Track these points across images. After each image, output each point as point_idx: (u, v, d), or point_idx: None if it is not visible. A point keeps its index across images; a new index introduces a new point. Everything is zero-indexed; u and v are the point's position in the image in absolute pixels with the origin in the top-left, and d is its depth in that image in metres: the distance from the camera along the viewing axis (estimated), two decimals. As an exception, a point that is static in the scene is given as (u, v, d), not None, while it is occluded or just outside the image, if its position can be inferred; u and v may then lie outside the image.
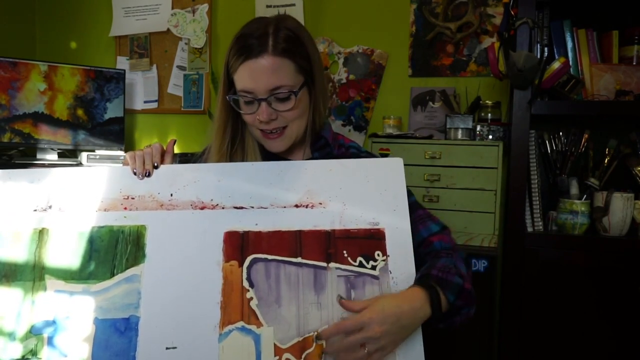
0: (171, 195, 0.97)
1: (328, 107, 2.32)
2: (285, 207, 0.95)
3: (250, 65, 0.94)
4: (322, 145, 1.08)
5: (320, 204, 0.95)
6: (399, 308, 0.83)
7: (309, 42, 1.00)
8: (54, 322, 0.89)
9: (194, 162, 1.12)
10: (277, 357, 0.85)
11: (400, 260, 0.91)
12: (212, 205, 0.96)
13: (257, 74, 0.94)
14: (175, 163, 1.03)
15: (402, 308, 0.83)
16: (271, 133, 1.00)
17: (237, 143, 1.06)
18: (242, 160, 1.05)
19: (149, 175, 0.98)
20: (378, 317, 0.81)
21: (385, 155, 1.86)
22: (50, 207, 0.97)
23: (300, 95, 0.98)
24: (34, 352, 0.87)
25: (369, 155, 1.12)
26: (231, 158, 1.05)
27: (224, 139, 1.04)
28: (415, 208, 1.02)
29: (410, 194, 1.00)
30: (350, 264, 0.91)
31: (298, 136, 1.03)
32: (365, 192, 0.96)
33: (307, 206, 0.96)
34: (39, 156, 2.32)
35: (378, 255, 0.92)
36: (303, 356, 0.85)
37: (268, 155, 1.06)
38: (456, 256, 0.97)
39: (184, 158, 1.95)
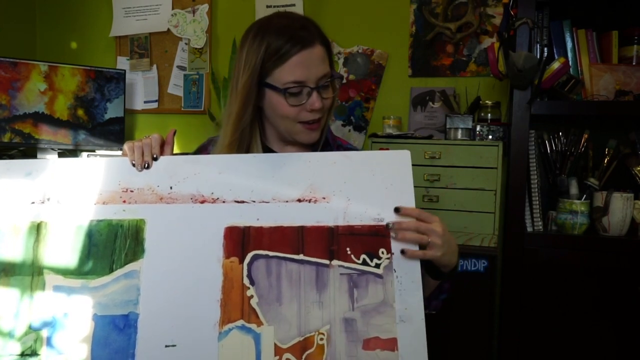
0: (171, 188, 0.95)
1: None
2: (287, 201, 0.93)
3: (305, 54, 0.95)
4: (323, 144, 1.09)
5: (324, 198, 0.93)
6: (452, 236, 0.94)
7: None
8: (53, 318, 0.88)
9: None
10: (278, 357, 0.84)
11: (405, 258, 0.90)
12: (213, 199, 0.94)
13: (312, 63, 0.96)
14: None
15: (454, 240, 0.93)
16: (313, 123, 1.00)
17: (247, 138, 1.03)
18: None
19: (148, 167, 0.96)
20: (443, 226, 0.90)
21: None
22: (48, 199, 0.95)
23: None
24: (33, 348, 0.87)
25: None
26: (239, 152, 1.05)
27: (236, 130, 1.01)
28: None
29: None
30: (354, 262, 0.90)
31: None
32: (371, 187, 0.94)
33: (310, 201, 0.93)
34: (39, 156, 2.32)
35: (382, 253, 0.90)
36: (304, 356, 0.85)
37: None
38: None
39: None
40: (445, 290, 1.01)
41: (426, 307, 0.91)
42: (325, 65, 0.98)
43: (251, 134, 1.04)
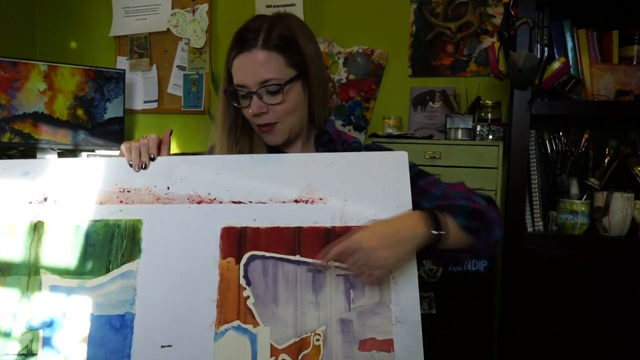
0: (168, 188, 0.95)
1: (330, 105, 2.33)
2: (284, 202, 0.93)
3: (242, 58, 0.96)
4: (327, 140, 1.08)
5: (321, 199, 0.93)
6: (388, 223, 0.86)
7: (305, 38, 1.00)
8: (49, 318, 0.88)
9: None
10: (274, 358, 0.85)
11: None
12: (210, 199, 0.94)
13: (247, 67, 0.96)
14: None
15: (393, 223, 0.86)
16: (264, 126, 1.00)
17: (243, 138, 1.04)
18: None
19: (145, 167, 0.96)
20: (367, 234, 0.84)
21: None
22: (45, 199, 0.96)
23: (289, 88, 0.97)
24: (29, 348, 0.87)
25: (371, 149, 1.11)
26: (238, 153, 1.04)
27: (228, 134, 1.03)
28: (423, 176, 1.03)
29: (414, 165, 1.00)
30: None
31: (292, 131, 1.02)
32: (368, 188, 0.94)
33: (307, 201, 0.93)
34: (38, 156, 2.32)
35: None
36: (300, 357, 0.85)
37: (272, 151, 1.05)
38: (472, 195, 0.97)
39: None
40: (475, 231, 0.92)
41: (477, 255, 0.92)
42: (267, 70, 0.94)
43: (247, 134, 1.04)
